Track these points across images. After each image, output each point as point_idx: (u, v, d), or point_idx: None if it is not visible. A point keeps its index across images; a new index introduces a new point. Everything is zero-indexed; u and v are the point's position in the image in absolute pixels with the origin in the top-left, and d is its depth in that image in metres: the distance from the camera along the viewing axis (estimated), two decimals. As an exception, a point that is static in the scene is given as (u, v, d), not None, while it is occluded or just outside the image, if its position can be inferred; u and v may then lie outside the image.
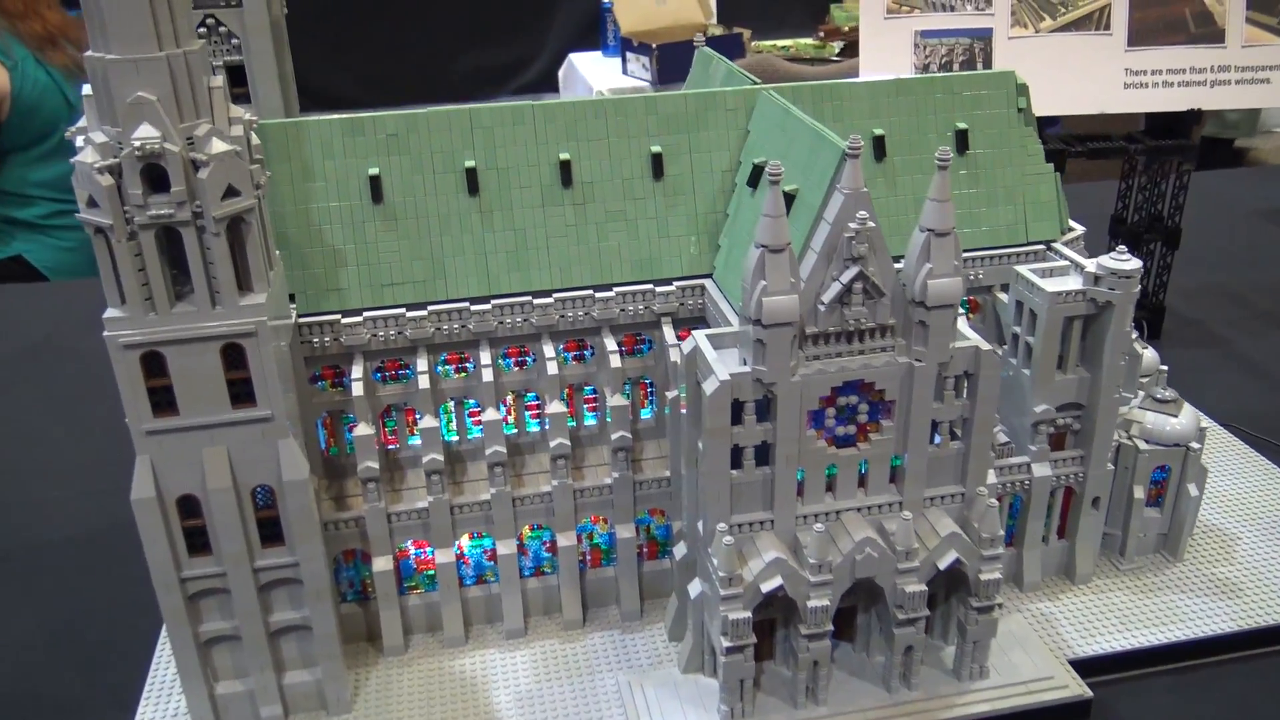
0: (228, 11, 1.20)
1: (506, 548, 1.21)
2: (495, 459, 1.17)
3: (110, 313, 0.94)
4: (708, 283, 1.20)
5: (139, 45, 0.87)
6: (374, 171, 1.15)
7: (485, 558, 1.25)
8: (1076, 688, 1.14)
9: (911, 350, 1.03)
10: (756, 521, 1.07)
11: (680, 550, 1.19)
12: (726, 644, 1.05)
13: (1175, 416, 1.29)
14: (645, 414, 1.26)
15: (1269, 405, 1.70)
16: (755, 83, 1.26)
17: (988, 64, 1.82)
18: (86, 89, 0.91)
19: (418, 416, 1.22)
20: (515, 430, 1.22)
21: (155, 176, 0.89)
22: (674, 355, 1.17)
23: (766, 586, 1.04)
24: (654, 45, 3.89)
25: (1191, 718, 1.15)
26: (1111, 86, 1.84)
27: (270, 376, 0.97)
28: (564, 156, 1.18)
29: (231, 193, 0.92)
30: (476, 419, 1.22)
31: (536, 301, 1.17)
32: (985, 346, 1.05)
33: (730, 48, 3.99)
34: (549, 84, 4.58)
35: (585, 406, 1.23)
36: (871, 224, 0.97)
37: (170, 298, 0.94)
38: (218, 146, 0.90)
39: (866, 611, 1.15)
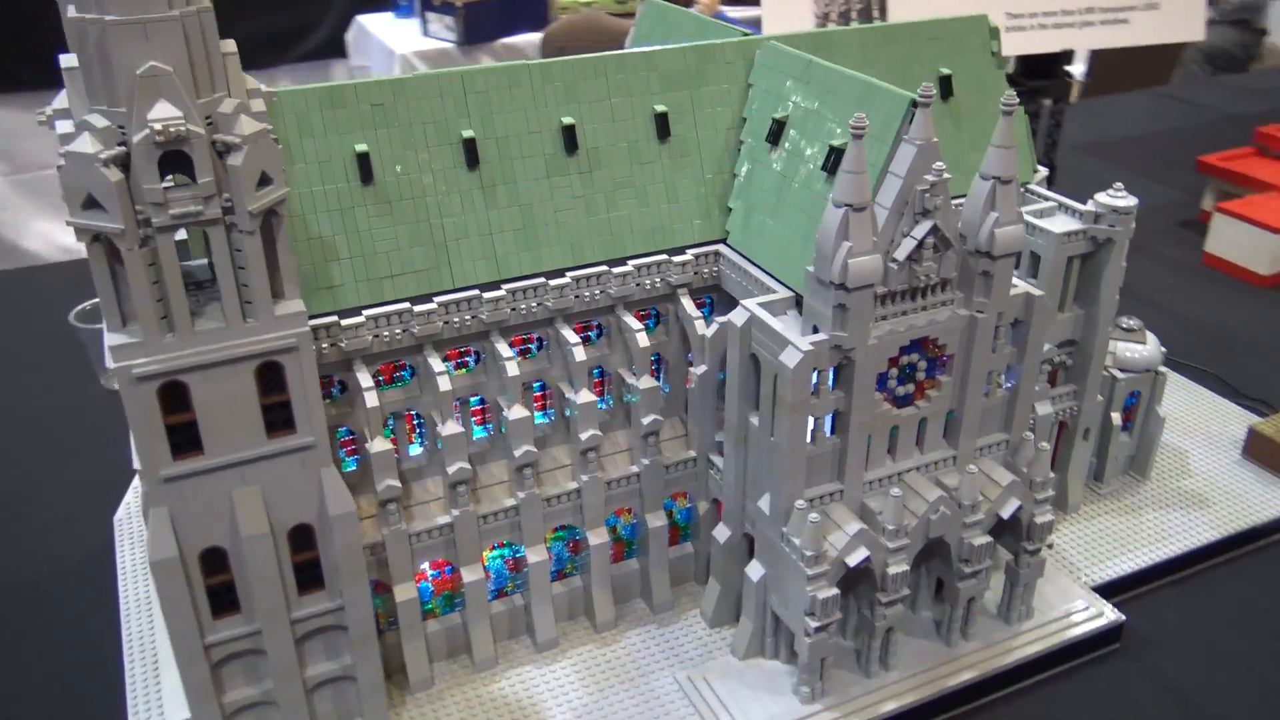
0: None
1: (537, 554, 1.11)
2: (525, 459, 1.06)
3: (115, 339, 0.76)
4: (722, 248, 1.13)
5: (148, 4, 0.70)
6: (361, 148, 0.99)
7: (507, 568, 1.14)
8: (1111, 614, 1.17)
9: (973, 301, 1.00)
10: (827, 494, 1.02)
11: (723, 533, 1.13)
12: (814, 624, 1.01)
13: (1143, 344, 1.35)
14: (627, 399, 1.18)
15: (1164, 326, 1.83)
16: (745, 33, 1.19)
17: (883, 13, 1.83)
18: (65, 59, 0.72)
19: (417, 423, 1.09)
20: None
21: (171, 167, 0.72)
22: (700, 328, 1.10)
23: (853, 560, 1.00)
24: (459, 4, 3.71)
25: (1201, 622, 1.21)
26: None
27: (313, 397, 0.82)
28: (567, 121, 1.07)
29: (265, 180, 0.76)
30: (479, 418, 1.11)
31: (552, 283, 1.06)
32: (1038, 292, 1.04)
33: (530, 6, 3.87)
34: (336, 49, 4.28)
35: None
36: (948, 175, 0.94)
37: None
38: (249, 126, 0.74)
39: (916, 569, 1.13)
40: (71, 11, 0.71)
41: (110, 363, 0.76)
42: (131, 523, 1.34)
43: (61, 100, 0.75)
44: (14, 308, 2.02)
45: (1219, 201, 2.17)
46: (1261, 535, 1.33)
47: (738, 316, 1.02)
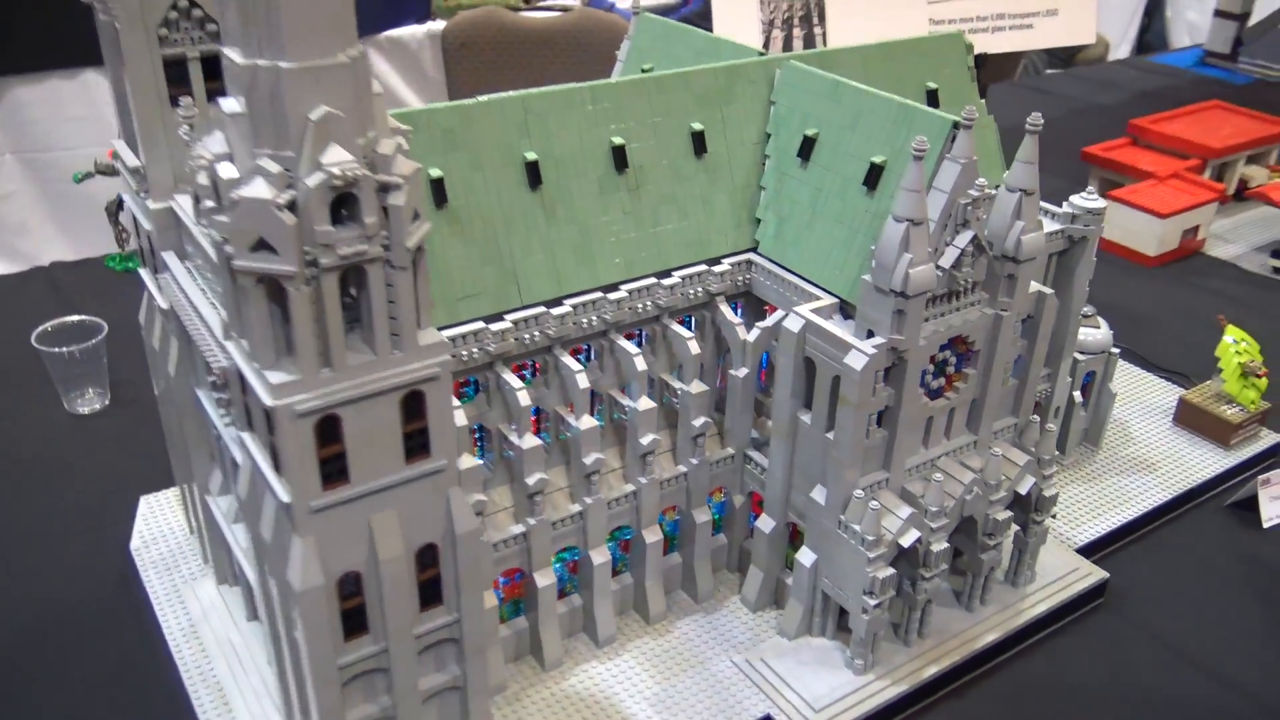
0: (205, -9, 0.99)
1: (600, 556, 1.16)
2: (595, 467, 1.11)
3: (276, 376, 0.77)
4: (753, 256, 1.20)
5: (322, 51, 0.72)
6: (436, 173, 1.02)
7: (568, 571, 1.19)
8: (1096, 572, 1.32)
9: (998, 301, 1.11)
10: (877, 482, 1.12)
11: (766, 524, 1.21)
12: (873, 602, 1.10)
13: (1097, 329, 1.51)
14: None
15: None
16: (761, 55, 1.26)
17: (821, 17, 1.94)
18: (226, 103, 0.73)
19: (478, 435, 1.12)
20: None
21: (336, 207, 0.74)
22: (740, 334, 1.17)
23: (906, 541, 1.10)
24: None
25: (1166, 573, 1.37)
26: (919, 31, 2.03)
27: (448, 422, 0.86)
28: (617, 141, 1.12)
29: (416, 216, 0.79)
30: (534, 428, 1.15)
31: (610, 297, 1.11)
32: (1048, 291, 1.16)
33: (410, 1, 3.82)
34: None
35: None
36: (991, 191, 1.04)
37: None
38: (406, 166, 0.77)
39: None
40: (238, 58, 0.72)
41: (269, 399, 0.77)
42: (151, 550, 1.32)
43: (219, 143, 0.76)
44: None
45: (1106, 190, 2.39)
46: (1200, 494, 1.51)
47: (792, 323, 1.10)
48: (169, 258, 1.05)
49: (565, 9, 3.33)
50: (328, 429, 0.80)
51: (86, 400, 1.64)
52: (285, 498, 0.82)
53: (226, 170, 0.74)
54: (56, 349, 1.58)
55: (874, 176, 1.10)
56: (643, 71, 1.37)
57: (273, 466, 0.83)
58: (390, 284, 0.79)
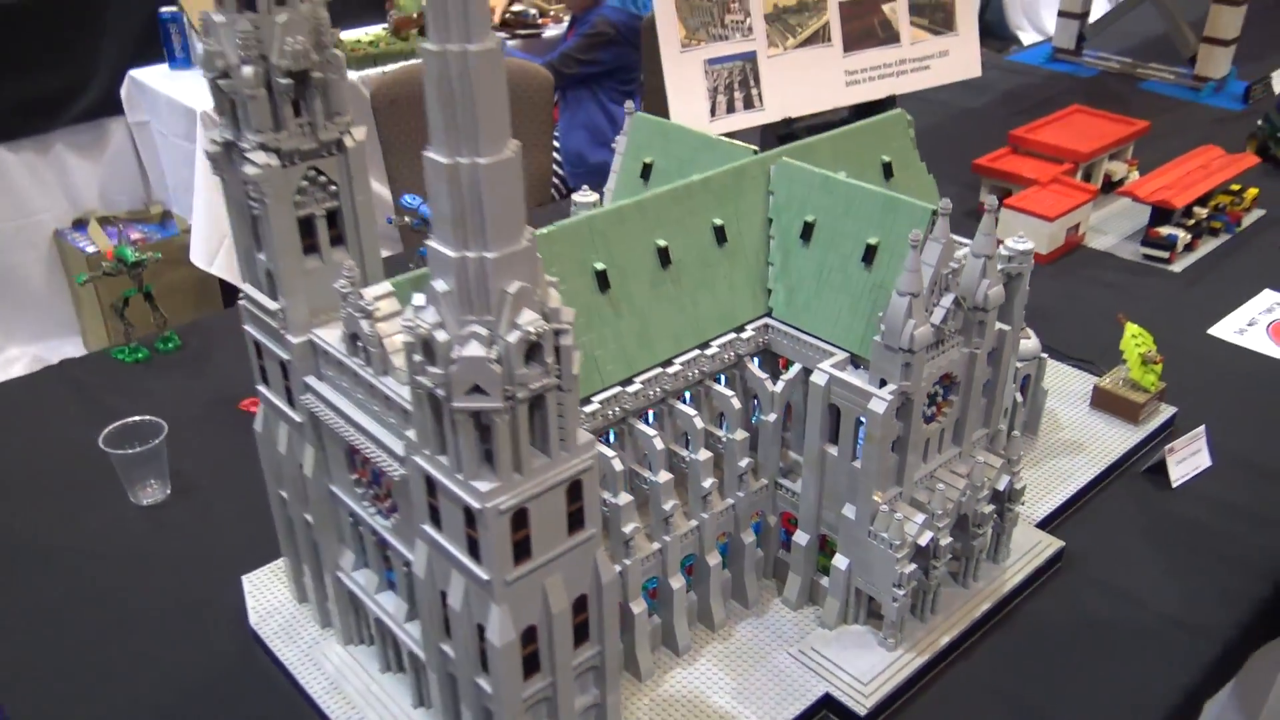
0: (328, 160, 1.19)
1: (677, 581, 1.41)
2: (671, 512, 1.36)
3: (481, 485, 1.00)
4: (769, 321, 1.47)
5: (514, 240, 0.94)
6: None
7: (650, 597, 1.43)
8: (1055, 542, 1.63)
9: (972, 341, 1.40)
10: (893, 496, 1.40)
11: (802, 538, 1.48)
12: (901, 592, 1.38)
13: (1029, 339, 1.82)
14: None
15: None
16: (756, 152, 1.52)
17: (756, 81, 2.21)
18: (439, 284, 0.94)
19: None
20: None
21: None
22: (769, 386, 1.43)
23: (923, 541, 1.38)
24: (254, 56, 3.70)
25: (1108, 538, 1.69)
26: (838, 86, 2.33)
27: (595, 500, 1.09)
28: (661, 243, 1.36)
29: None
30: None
31: (668, 371, 1.36)
32: (1007, 329, 1.46)
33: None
34: (111, 107, 4.16)
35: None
36: (969, 261, 1.32)
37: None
38: (567, 313, 1.00)
39: (934, 536, 1.53)
40: (449, 252, 0.94)
41: (477, 503, 0.99)
42: (270, 622, 1.50)
43: (430, 314, 0.97)
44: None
45: (992, 194, 2.72)
46: (1120, 465, 1.84)
47: (819, 377, 1.36)
48: (311, 380, 1.24)
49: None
50: (519, 520, 1.03)
51: (150, 493, 1.80)
52: (485, 576, 1.04)
53: (442, 335, 0.95)
54: (122, 450, 1.73)
55: (870, 254, 1.37)
56: (644, 164, 1.61)
57: (468, 553, 1.06)
58: (560, 402, 1.02)
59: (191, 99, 3.84)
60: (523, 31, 4.63)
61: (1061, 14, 4.04)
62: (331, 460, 1.29)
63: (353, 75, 4.02)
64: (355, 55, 4.06)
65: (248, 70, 1.09)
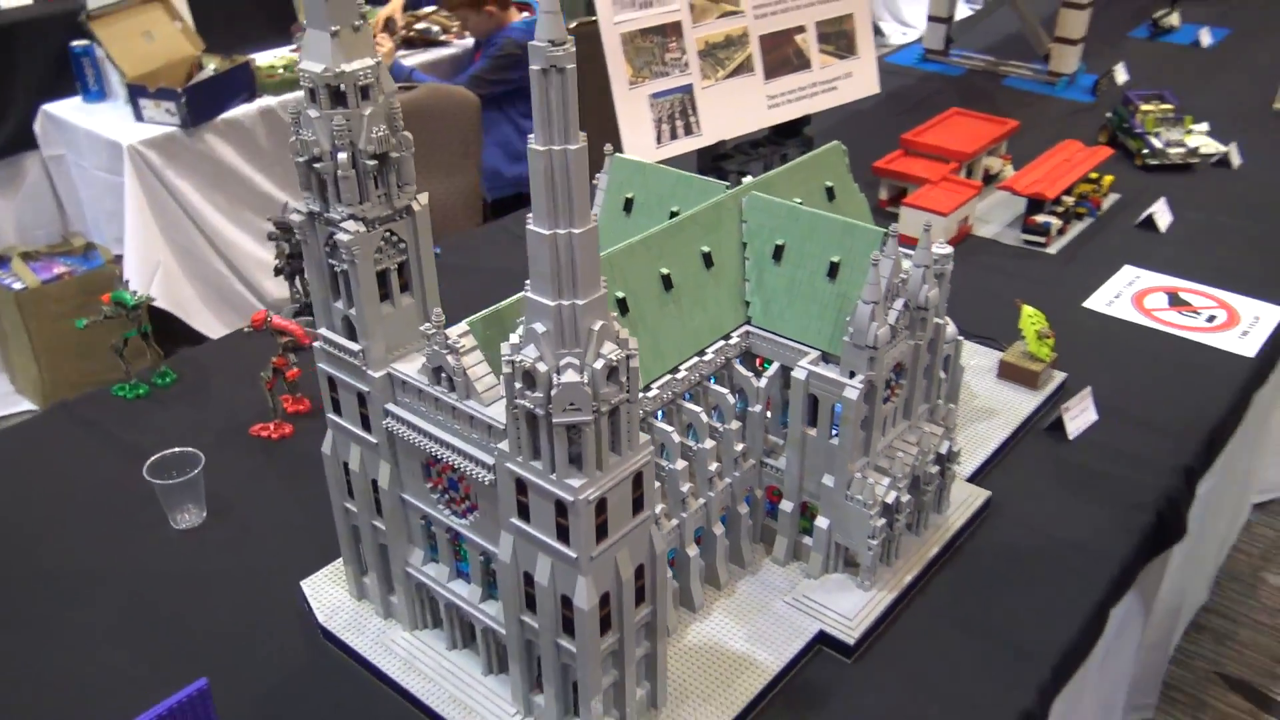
0: (400, 223, 1.43)
1: (693, 550, 1.69)
2: (686, 494, 1.64)
3: (574, 481, 1.26)
4: (749, 328, 1.76)
5: (595, 289, 1.20)
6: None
7: (670, 566, 1.70)
8: (982, 493, 1.97)
9: (916, 334, 1.72)
10: (862, 465, 1.71)
11: (787, 505, 1.77)
12: (874, 543, 1.70)
13: (949, 325, 2.16)
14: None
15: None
16: (729, 187, 1.80)
17: (694, 110, 2.49)
18: (537, 326, 1.20)
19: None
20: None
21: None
22: (754, 382, 1.72)
23: (890, 499, 1.69)
24: (179, 90, 3.86)
25: (1023, 489, 2.03)
26: (762, 109, 2.63)
27: (651, 486, 1.36)
28: (664, 271, 1.64)
29: (636, 370, 1.29)
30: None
31: (677, 376, 1.63)
32: (941, 322, 1.78)
33: (241, 82, 4.09)
34: (25, 142, 4.20)
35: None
36: (911, 271, 1.64)
37: (605, 456, 1.28)
38: (634, 343, 1.27)
39: (890, 496, 1.85)
40: (548, 301, 1.19)
41: (570, 496, 1.25)
42: (337, 619, 1.71)
43: (531, 351, 1.22)
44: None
45: (895, 194, 3.09)
46: (1026, 425, 2.20)
47: (799, 373, 1.66)
48: (390, 407, 1.48)
49: (409, 86, 3.71)
50: (600, 507, 1.29)
51: (188, 519, 1.98)
52: (574, 555, 1.30)
53: (542, 366, 1.21)
54: (165, 481, 1.92)
55: (834, 270, 1.67)
56: (625, 199, 1.88)
57: (557, 538, 1.31)
58: (629, 412, 1.29)
59: (113, 132, 3.92)
60: (428, 49, 4.79)
61: (931, 19, 4.44)
62: (405, 473, 1.53)
63: (270, 100, 4.15)
64: (272, 81, 4.19)
65: (343, 156, 1.32)
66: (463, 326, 1.39)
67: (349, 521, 1.66)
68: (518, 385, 1.24)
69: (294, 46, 4.68)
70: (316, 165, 1.35)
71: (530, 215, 1.19)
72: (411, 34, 4.83)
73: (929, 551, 1.83)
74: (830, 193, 1.93)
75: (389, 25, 4.61)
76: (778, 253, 1.73)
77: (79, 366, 4.10)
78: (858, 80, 2.82)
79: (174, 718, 1.13)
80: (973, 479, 2.02)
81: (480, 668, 1.60)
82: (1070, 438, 2.15)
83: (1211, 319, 2.57)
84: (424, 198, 1.43)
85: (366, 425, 1.52)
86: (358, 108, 1.32)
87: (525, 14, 4.54)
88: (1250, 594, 3.36)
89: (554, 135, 1.12)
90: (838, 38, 2.76)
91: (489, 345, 1.39)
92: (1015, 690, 1.62)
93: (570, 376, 1.20)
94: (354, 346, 1.45)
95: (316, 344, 1.52)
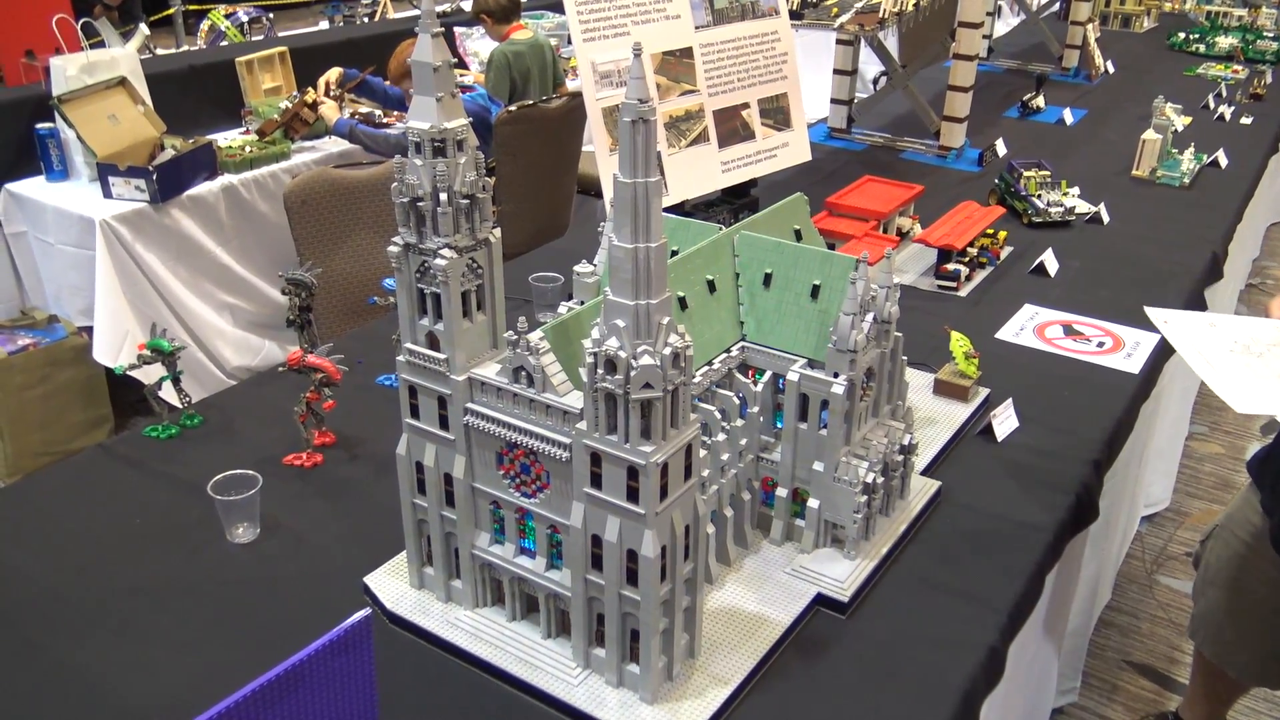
0: (479, 252, 1.74)
1: (710, 529, 2.00)
2: (726, 462, 1.96)
3: (645, 447, 1.57)
4: (744, 343, 2.11)
5: (663, 291, 1.53)
6: (616, 331, 1.82)
7: (691, 543, 2.01)
8: (935, 483, 2.34)
9: (880, 343, 2.10)
10: (845, 452, 2.06)
11: (782, 492, 2.11)
12: (860, 517, 2.04)
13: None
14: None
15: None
16: (721, 228, 2.16)
17: (662, 172, 2.85)
18: (615, 321, 1.51)
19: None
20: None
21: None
22: (752, 387, 2.06)
23: (870, 479, 2.04)
24: (150, 168, 4.08)
25: (965, 483, 2.42)
26: (716, 173, 3.02)
27: (698, 456, 1.68)
28: (680, 294, 1.98)
29: (688, 359, 1.62)
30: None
31: (694, 381, 1.97)
32: (899, 335, 2.16)
33: (203, 161, 4.34)
34: (-12, 221, 4.32)
35: (695, 436, 2.05)
36: (877, 291, 2.01)
37: (664, 429, 1.59)
38: (688, 337, 1.60)
39: (863, 484, 2.20)
40: (626, 300, 1.51)
41: (643, 460, 1.56)
42: (403, 605, 1.96)
43: (613, 342, 1.53)
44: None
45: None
46: (961, 431, 2.60)
47: (793, 375, 2.01)
48: (470, 405, 1.77)
49: (377, 162, 4.01)
50: (664, 471, 1.60)
51: (244, 534, 2.20)
52: (642, 511, 1.61)
53: (623, 354, 1.53)
54: (226, 497, 2.14)
55: (816, 292, 2.04)
56: (631, 241, 2.22)
57: (627, 499, 1.62)
58: (684, 392, 1.61)
59: (83, 208, 4.11)
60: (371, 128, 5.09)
61: (833, 100, 4.96)
62: (479, 463, 1.81)
63: (232, 178, 4.41)
64: (233, 160, 4.44)
65: (444, 197, 1.63)
66: (539, 333, 1.70)
67: (416, 516, 1.93)
68: (599, 371, 1.55)
69: (244, 129, 4.93)
70: (418, 205, 1.65)
71: (613, 234, 1.52)
72: (355, 116, 5.13)
73: (898, 529, 2.18)
74: (798, 234, 2.31)
75: (328, 90, 4.89)
76: (767, 280, 2.09)
77: (42, 437, 4.20)
78: (793, 149, 3.25)
79: (338, 647, 1.37)
80: (925, 473, 2.39)
81: (540, 633, 1.87)
82: (999, 440, 2.55)
83: (1101, 344, 3.04)
84: (497, 232, 1.75)
85: (444, 425, 1.80)
86: (454, 157, 1.64)
87: (468, 93, 4.91)
88: (1147, 593, 3.82)
89: (638, 172, 1.47)
90: (776, 113, 3.19)
91: (557, 349, 1.70)
92: (980, 632, 1.97)
93: (646, 360, 1.52)
94: (439, 356, 1.74)
95: (400, 358, 1.80)
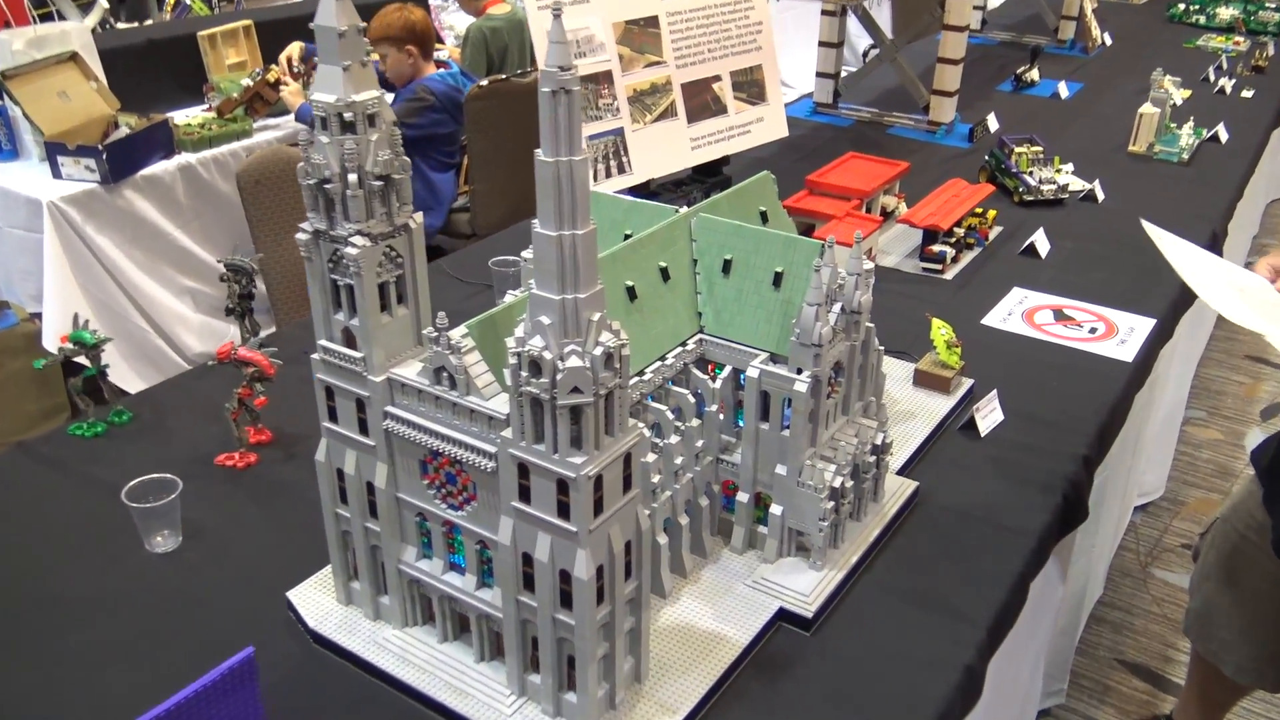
0: (399, 239, 1.57)
1: (663, 539, 1.84)
2: (656, 485, 1.79)
3: (575, 459, 1.40)
4: (703, 335, 1.94)
5: (594, 284, 1.36)
6: (553, 326, 1.65)
7: (642, 554, 1.85)
8: (912, 483, 2.18)
9: (851, 336, 1.93)
10: (810, 455, 1.89)
11: (743, 496, 1.94)
12: (825, 523, 1.87)
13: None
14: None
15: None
16: (678, 210, 1.99)
17: (625, 151, 2.68)
18: (542, 318, 1.35)
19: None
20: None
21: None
22: (710, 384, 1.90)
23: (836, 484, 1.88)
24: (100, 146, 3.91)
25: (945, 480, 2.26)
26: (685, 150, 2.85)
27: (638, 466, 1.52)
28: (629, 283, 1.81)
29: (625, 359, 1.45)
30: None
31: (644, 378, 1.80)
32: (871, 325, 1.99)
33: (159, 139, 4.15)
34: (-68, 202, 4.14)
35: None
36: (846, 279, 1.84)
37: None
38: (624, 334, 1.43)
39: (832, 487, 2.03)
40: (552, 295, 1.35)
41: (573, 473, 1.39)
42: (327, 624, 1.80)
43: (538, 341, 1.37)
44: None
45: (804, 231, 3.34)
46: (942, 425, 2.43)
47: (753, 372, 1.84)
48: (390, 409, 1.60)
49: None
50: (598, 483, 1.44)
51: (164, 542, 2.04)
52: (574, 529, 1.44)
53: (548, 355, 1.36)
54: (142, 504, 1.98)
55: (778, 279, 1.87)
56: (581, 225, 2.05)
57: (558, 515, 1.45)
58: (620, 396, 1.44)
59: (30, 189, 3.93)
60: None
61: (819, 74, 4.77)
62: (401, 472, 1.65)
63: (190, 157, 4.22)
64: (191, 138, 4.26)
65: (353, 178, 1.46)
66: (462, 329, 1.53)
67: (339, 528, 1.76)
68: (524, 373, 1.39)
69: (206, 106, 4.74)
70: (326, 187, 1.48)
71: (536, 221, 1.35)
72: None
73: (870, 534, 2.02)
74: (764, 216, 2.14)
75: (290, 67, 4.70)
76: (726, 266, 1.92)
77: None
78: (769, 124, 3.07)
79: (221, 686, 1.21)
80: (901, 472, 2.22)
81: (473, 656, 1.71)
82: (982, 435, 2.38)
83: (1093, 330, 2.87)
84: (419, 216, 1.58)
85: (364, 429, 1.64)
86: (365, 133, 1.47)
87: (442, 69, 4.72)
88: (1140, 588, 3.67)
89: (560, 149, 1.29)
90: (749, 86, 3.01)
91: (483, 347, 1.53)
92: (957, 649, 1.81)
93: (574, 362, 1.35)
94: (355, 354, 1.58)
95: (315, 355, 1.63)
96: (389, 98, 4.98)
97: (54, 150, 3.85)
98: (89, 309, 3.98)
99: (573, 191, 1.31)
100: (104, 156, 3.81)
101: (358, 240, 1.50)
